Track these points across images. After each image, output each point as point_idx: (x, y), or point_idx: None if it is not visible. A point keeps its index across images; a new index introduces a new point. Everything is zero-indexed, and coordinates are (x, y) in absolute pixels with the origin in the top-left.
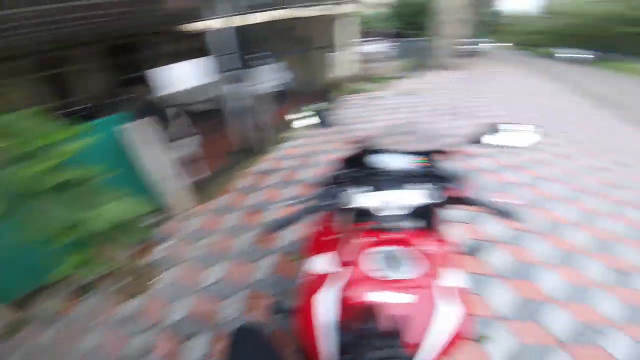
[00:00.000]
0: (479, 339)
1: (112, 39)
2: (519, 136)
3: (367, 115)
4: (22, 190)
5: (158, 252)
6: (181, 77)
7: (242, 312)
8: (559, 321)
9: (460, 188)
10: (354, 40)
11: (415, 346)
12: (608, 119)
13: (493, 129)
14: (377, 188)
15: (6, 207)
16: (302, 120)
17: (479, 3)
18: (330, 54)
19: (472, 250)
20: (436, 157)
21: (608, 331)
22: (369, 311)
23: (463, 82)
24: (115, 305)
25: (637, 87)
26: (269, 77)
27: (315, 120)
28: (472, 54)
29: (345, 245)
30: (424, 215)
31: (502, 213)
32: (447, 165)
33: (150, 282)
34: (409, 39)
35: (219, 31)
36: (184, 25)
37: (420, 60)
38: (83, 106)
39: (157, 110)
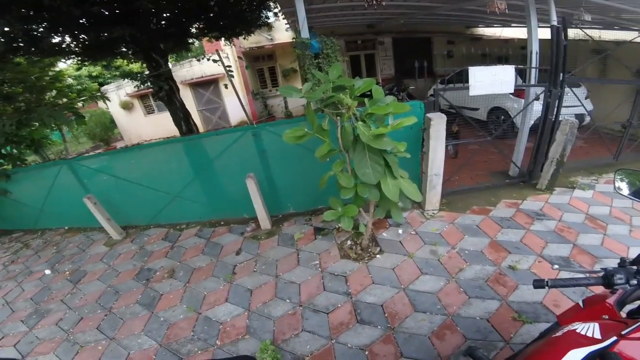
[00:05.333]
0: None
1: (408, 32)
2: None
3: None
4: (364, 141)
5: (389, 233)
6: (480, 80)
7: (427, 333)
8: None
9: None
10: None
11: None
12: None
13: None
14: None
15: (346, 147)
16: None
17: None
18: None
19: None
20: None
21: None
22: None
23: None
24: (332, 259)
25: None
26: (574, 102)
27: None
28: None
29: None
30: None
31: None
32: None
33: (369, 256)
34: None
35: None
36: (479, 29)
37: None
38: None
39: (438, 105)
